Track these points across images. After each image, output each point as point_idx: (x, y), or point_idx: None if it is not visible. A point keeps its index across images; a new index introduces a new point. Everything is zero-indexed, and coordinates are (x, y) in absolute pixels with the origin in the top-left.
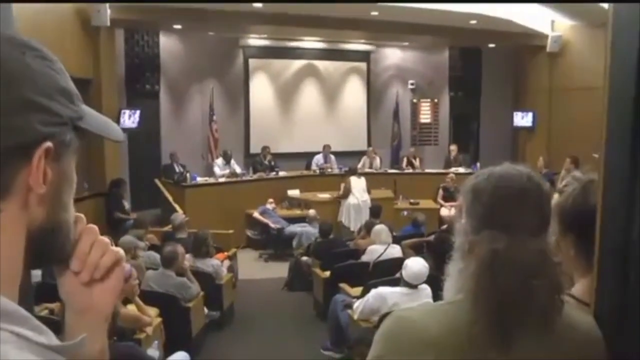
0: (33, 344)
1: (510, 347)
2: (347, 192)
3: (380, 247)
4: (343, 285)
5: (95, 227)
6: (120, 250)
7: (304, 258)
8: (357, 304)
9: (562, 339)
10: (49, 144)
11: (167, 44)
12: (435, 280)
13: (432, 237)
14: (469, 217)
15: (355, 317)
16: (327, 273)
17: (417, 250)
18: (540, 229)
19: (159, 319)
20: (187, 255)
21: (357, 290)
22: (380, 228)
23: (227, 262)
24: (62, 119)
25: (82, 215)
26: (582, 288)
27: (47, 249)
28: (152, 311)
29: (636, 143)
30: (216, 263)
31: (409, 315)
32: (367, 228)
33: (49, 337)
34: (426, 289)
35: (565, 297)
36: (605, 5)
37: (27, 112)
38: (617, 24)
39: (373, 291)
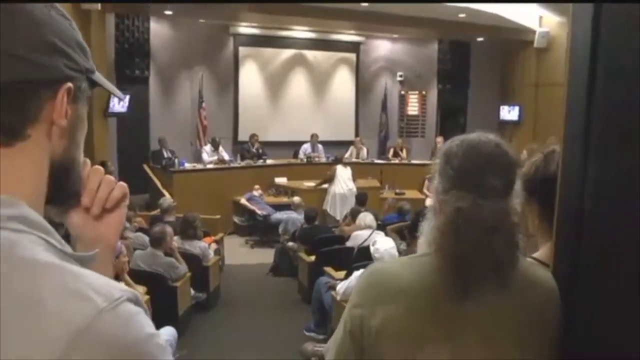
0: (58, 251)
1: (470, 295)
2: (330, 178)
3: (365, 233)
4: (328, 269)
5: (101, 168)
6: (126, 186)
7: (290, 244)
8: (341, 286)
9: (523, 291)
10: (70, 84)
11: (158, 29)
12: None
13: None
14: (441, 178)
15: (339, 298)
16: (313, 257)
17: (401, 235)
18: (504, 192)
19: (147, 297)
20: (175, 237)
21: (342, 274)
22: (365, 213)
23: (214, 246)
24: (80, 67)
25: (87, 159)
26: (545, 252)
27: (63, 183)
28: (140, 289)
29: (588, 128)
30: (203, 245)
31: (383, 266)
32: (353, 215)
33: (69, 249)
34: None
35: (527, 258)
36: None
37: (53, 53)
38: (575, 24)
39: (356, 273)
